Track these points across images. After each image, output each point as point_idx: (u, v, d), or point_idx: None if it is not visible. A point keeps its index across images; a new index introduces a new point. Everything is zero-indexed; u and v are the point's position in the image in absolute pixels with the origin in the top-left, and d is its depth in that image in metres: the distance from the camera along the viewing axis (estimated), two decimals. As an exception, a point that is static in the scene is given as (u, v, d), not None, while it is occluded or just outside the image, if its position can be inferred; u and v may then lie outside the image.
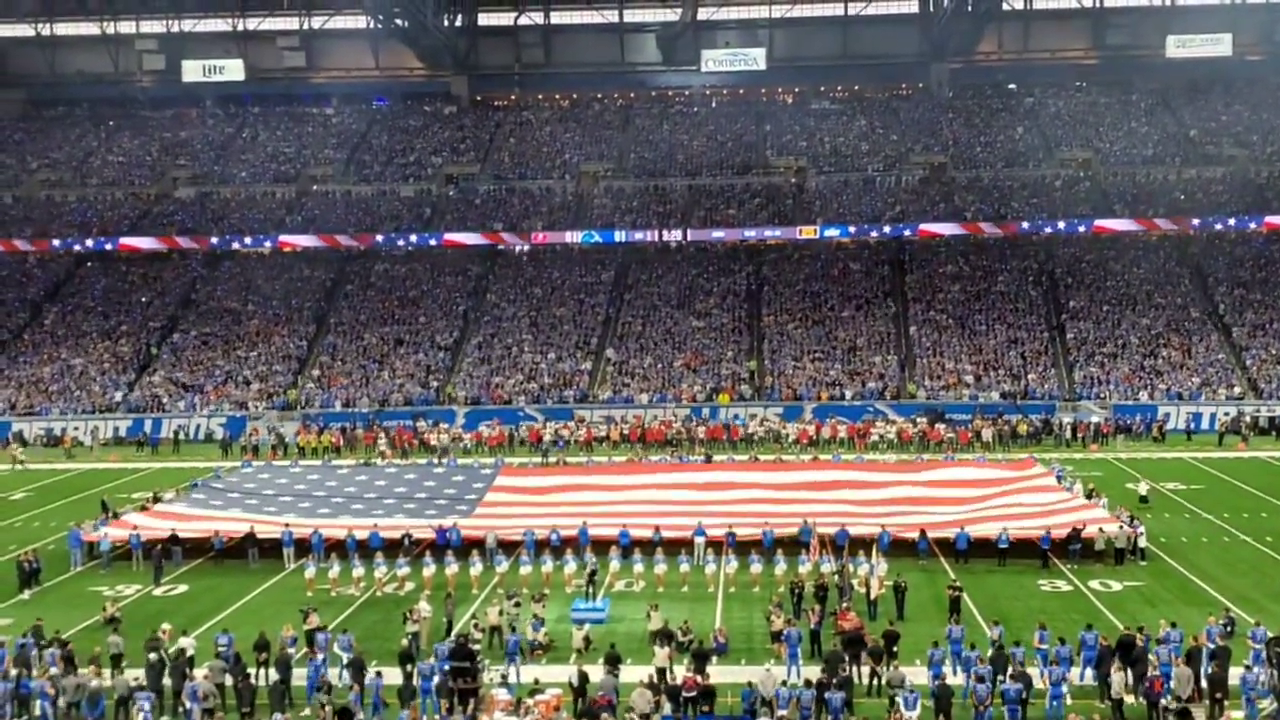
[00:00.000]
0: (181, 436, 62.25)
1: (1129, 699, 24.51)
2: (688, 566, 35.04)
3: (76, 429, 63.18)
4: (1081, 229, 73.43)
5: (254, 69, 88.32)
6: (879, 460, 52.41)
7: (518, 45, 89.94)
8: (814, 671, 25.69)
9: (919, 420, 58.88)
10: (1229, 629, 27.68)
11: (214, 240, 77.26)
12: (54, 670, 26.11)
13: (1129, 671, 24.81)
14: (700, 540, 36.63)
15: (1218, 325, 67.50)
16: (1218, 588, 33.31)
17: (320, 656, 26.89)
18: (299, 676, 25.98)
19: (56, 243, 78.11)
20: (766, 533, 36.82)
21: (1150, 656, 25.14)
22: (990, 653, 25.98)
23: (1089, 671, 26.14)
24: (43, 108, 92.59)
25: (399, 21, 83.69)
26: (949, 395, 62.72)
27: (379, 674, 25.45)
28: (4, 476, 54.03)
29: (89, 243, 77.66)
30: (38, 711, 24.80)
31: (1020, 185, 78.12)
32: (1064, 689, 24.59)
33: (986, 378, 63.96)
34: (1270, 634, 26.40)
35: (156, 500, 43.68)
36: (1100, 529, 36.75)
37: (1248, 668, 24.92)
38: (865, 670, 26.52)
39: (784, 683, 24.83)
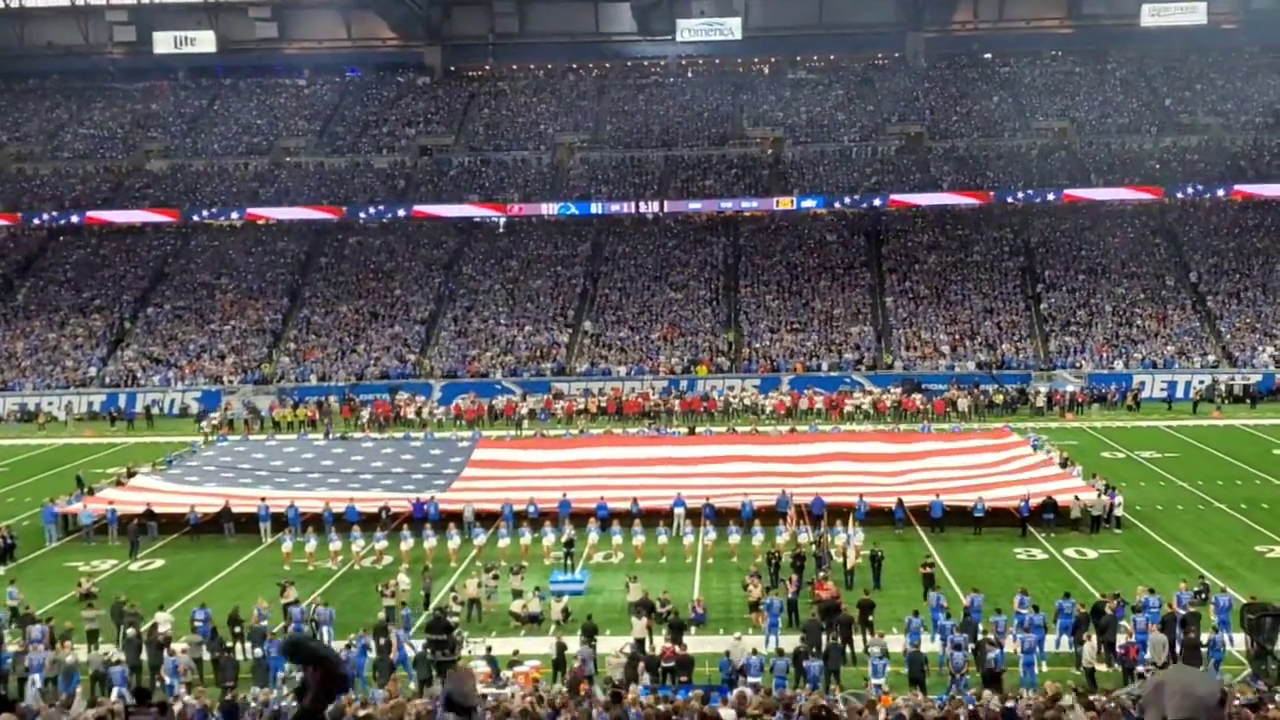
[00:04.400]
0: (156, 411, 61.88)
1: (1100, 667, 24.68)
2: (666, 538, 35.12)
3: (50, 404, 62.76)
4: (1051, 196, 73.36)
5: (225, 40, 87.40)
6: (855, 430, 52.54)
7: (491, 15, 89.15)
8: (791, 641, 25.82)
9: (895, 390, 58.99)
10: (1202, 595, 27.89)
11: (186, 213, 76.58)
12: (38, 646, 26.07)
13: (1098, 639, 25.02)
14: (679, 511, 36.70)
15: (1192, 294, 67.81)
16: (1193, 555, 33.56)
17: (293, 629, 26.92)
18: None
19: (26, 217, 77.24)
20: (745, 503, 36.90)
21: (1125, 624, 25.34)
22: (961, 620, 26.21)
23: (1064, 639, 26.35)
24: (12, 80, 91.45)
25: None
26: (925, 365, 62.90)
27: (366, 647, 25.51)
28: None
29: (60, 216, 76.85)
30: (29, 685, 24.70)
31: (996, 155, 78.14)
32: (1036, 657, 24.79)
33: (962, 348, 64.14)
34: (1243, 600, 26.63)
35: (131, 475, 43.46)
36: (1076, 497, 36.96)
37: (1215, 629, 25.29)
38: (840, 639, 26.64)
39: (753, 651, 24.89)
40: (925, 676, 24.08)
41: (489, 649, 25.57)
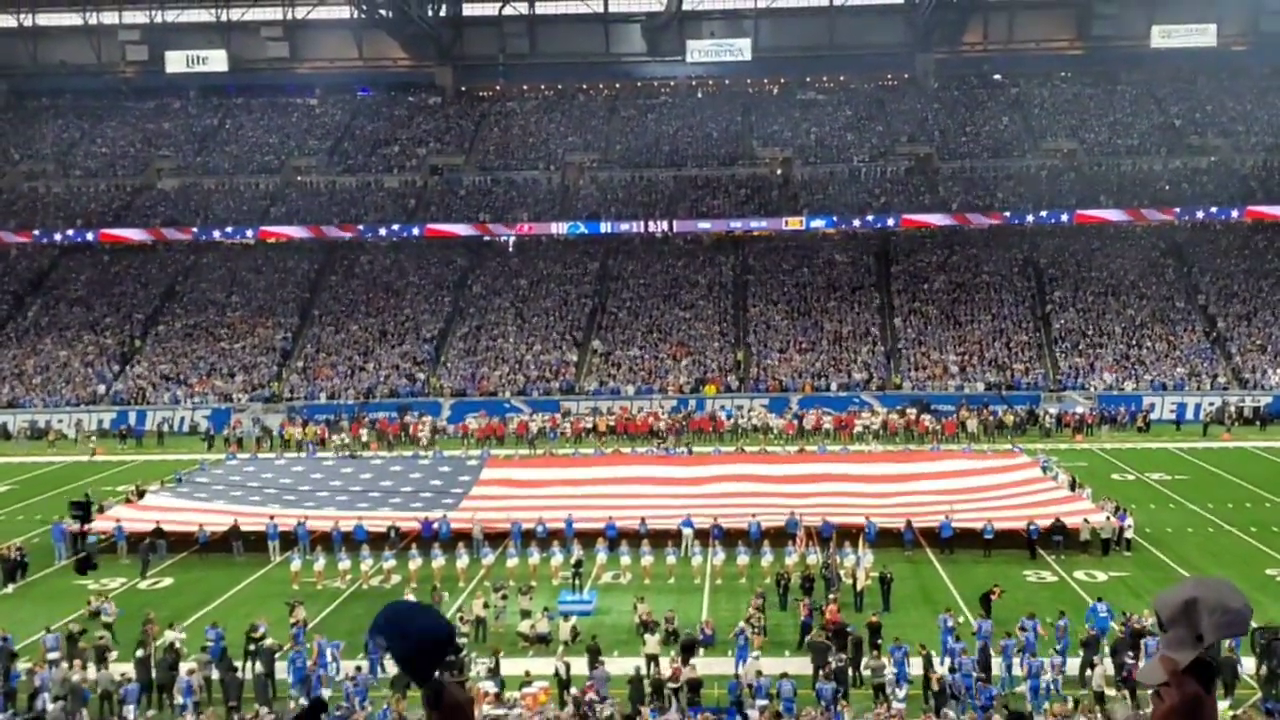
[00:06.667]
0: (166, 429, 62.02)
1: (1110, 691, 24.56)
2: (674, 558, 35.07)
3: (60, 421, 62.88)
4: (1064, 217, 73.29)
5: (237, 59, 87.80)
6: (864, 451, 52.45)
7: (502, 35, 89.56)
8: (793, 663, 25.77)
9: (904, 411, 58.92)
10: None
11: (197, 231, 76.78)
12: (52, 658, 26.18)
13: (1112, 661, 24.94)
14: (688, 532, 36.62)
15: (1202, 315, 67.71)
16: (1202, 578, 33.34)
17: (301, 649, 26.91)
18: (282, 669, 25.99)
19: (38, 235, 77.44)
20: (753, 524, 36.84)
21: (1142, 644, 25.23)
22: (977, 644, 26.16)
23: (1069, 661, 26.29)
24: (25, 98, 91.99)
25: (383, 11, 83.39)
26: (934, 386, 62.81)
27: (359, 668, 25.50)
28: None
29: (71, 234, 77.05)
30: (40, 705, 24.73)
31: (1005, 176, 78.17)
32: (1042, 680, 24.70)
33: (972, 368, 64.07)
34: (1253, 624, 26.52)
35: (140, 494, 43.52)
36: (1086, 519, 36.86)
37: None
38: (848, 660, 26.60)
39: (758, 673, 24.84)
40: (945, 704, 23.99)
41: (490, 668, 25.53)
